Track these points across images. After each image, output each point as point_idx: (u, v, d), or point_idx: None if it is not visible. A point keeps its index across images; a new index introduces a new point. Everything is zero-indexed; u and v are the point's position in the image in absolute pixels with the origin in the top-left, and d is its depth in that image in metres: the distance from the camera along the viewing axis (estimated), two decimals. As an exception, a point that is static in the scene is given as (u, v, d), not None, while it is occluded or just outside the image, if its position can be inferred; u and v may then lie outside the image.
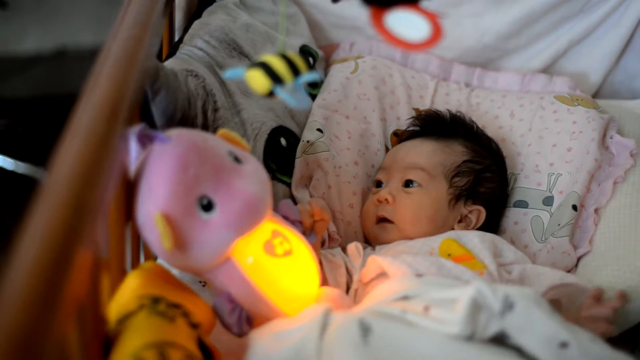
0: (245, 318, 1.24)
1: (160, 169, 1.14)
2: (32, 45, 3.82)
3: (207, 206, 1.14)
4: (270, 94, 1.10)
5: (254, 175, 1.20)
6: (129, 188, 1.16)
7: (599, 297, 1.33)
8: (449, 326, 1.06)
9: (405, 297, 1.20)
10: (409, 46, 1.05)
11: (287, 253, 1.25)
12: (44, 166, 3.18)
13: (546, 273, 1.40)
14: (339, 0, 1.35)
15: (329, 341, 1.08)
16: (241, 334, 1.23)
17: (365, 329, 1.06)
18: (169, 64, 1.44)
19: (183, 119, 1.34)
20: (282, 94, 1.08)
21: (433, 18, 1.07)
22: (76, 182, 0.88)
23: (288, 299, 1.25)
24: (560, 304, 1.38)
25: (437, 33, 1.06)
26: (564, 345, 1.05)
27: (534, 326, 1.06)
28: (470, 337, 1.06)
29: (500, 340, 1.08)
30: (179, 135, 1.18)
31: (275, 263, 1.24)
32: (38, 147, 3.38)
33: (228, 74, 1.15)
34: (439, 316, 1.09)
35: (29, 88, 3.79)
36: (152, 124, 1.30)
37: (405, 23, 1.05)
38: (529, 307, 1.07)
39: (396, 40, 1.04)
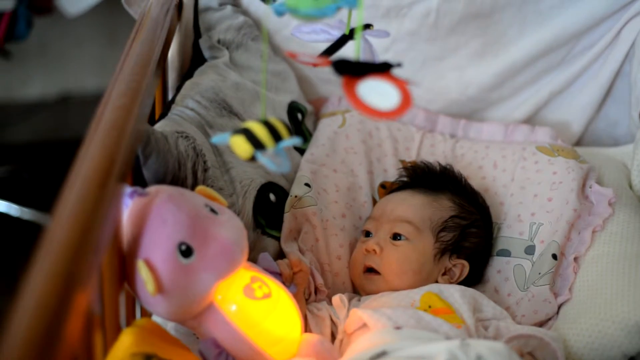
0: None
1: (140, 223, 1.23)
2: (36, 91, 3.87)
3: (186, 252, 1.23)
4: (253, 158, 1.15)
5: (228, 223, 1.30)
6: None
7: None
8: None
9: (383, 352, 1.25)
10: (379, 114, 1.08)
11: (267, 296, 1.33)
12: (49, 212, 3.23)
13: (518, 330, 1.45)
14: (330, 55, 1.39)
15: None
16: (228, 379, 1.30)
17: None
18: (160, 126, 1.50)
19: (173, 180, 1.40)
20: (263, 159, 1.13)
21: (403, 86, 1.10)
22: (73, 236, 0.96)
23: (271, 341, 1.32)
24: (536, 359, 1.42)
25: (406, 101, 1.09)
26: None
27: None
28: None
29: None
30: (156, 190, 1.28)
31: (256, 306, 1.31)
32: (43, 193, 3.43)
33: (214, 140, 1.20)
34: None
35: (33, 133, 3.84)
36: (144, 187, 1.36)
37: (376, 92, 1.08)
38: None
39: (366, 109, 1.07)
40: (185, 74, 1.81)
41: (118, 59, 1.41)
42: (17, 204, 3.28)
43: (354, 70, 1.09)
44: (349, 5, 1.21)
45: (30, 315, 0.84)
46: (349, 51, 1.37)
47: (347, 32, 1.38)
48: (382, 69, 1.11)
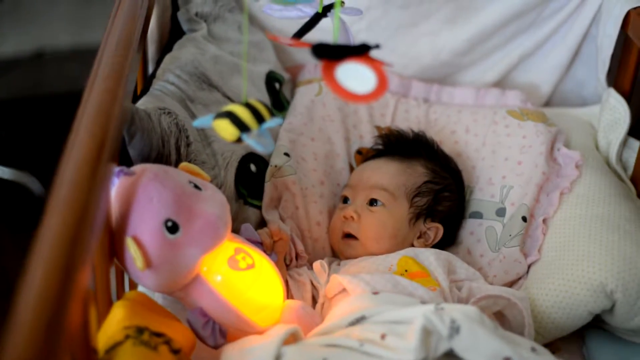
0: (219, 330, 1.38)
1: (128, 201, 1.29)
2: (10, 48, 3.86)
3: (172, 228, 1.29)
4: (238, 140, 1.20)
5: (212, 198, 1.36)
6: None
7: None
8: (404, 354, 1.19)
9: (362, 317, 1.33)
10: (356, 98, 1.12)
11: (250, 266, 1.40)
12: (27, 170, 3.26)
13: (489, 290, 1.53)
14: (302, 36, 1.43)
15: None
16: (217, 346, 1.38)
17: None
18: (142, 103, 1.54)
19: (158, 157, 1.46)
20: (249, 140, 1.18)
21: (379, 69, 1.14)
22: (71, 218, 1.01)
23: (255, 308, 1.39)
24: (506, 318, 1.50)
25: (382, 84, 1.13)
26: (507, 359, 1.17)
27: (479, 345, 1.18)
28: None
29: (451, 355, 1.21)
30: (142, 169, 1.33)
31: (240, 276, 1.38)
32: (21, 151, 3.46)
33: (196, 123, 1.25)
34: (394, 345, 1.21)
35: (8, 91, 3.85)
36: (129, 165, 1.41)
37: (354, 75, 1.11)
38: (474, 328, 1.19)
39: (344, 92, 1.11)
40: (165, 47, 1.84)
41: (91, 15, 1.44)
42: (-4, 164, 3.31)
43: (332, 54, 1.12)
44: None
45: (36, 298, 0.90)
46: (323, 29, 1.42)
47: (320, 10, 1.42)
48: (361, 51, 1.14)
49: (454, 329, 1.19)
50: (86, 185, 1.08)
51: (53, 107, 3.79)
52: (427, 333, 1.19)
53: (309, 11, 1.44)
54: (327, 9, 1.40)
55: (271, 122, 1.20)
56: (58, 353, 0.88)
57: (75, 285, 0.95)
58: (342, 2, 1.42)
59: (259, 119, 1.19)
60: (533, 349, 1.27)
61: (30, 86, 3.89)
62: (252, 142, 1.17)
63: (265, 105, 1.20)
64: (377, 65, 1.13)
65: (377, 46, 1.15)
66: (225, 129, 1.19)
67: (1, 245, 3.11)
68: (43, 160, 3.42)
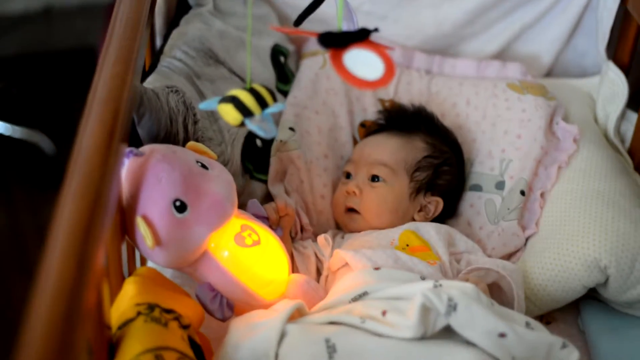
0: (226, 304, 1.44)
1: (137, 181, 1.34)
2: (19, 4, 3.88)
3: (181, 207, 1.34)
4: (242, 124, 1.24)
5: (219, 178, 1.41)
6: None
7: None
8: (404, 330, 1.25)
9: (365, 293, 1.39)
10: (367, 85, 1.15)
11: (256, 243, 1.45)
12: (39, 129, 3.31)
13: (485, 263, 1.58)
14: (300, 24, 1.45)
15: (292, 353, 1.25)
16: (224, 319, 1.44)
17: (330, 349, 1.23)
18: (150, 81, 1.58)
19: (166, 136, 1.50)
20: (251, 125, 1.21)
21: (384, 53, 1.17)
22: (88, 198, 1.07)
23: (261, 283, 1.46)
24: (503, 290, 1.56)
25: (389, 69, 1.16)
26: (502, 335, 1.23)
27: (475, 322, 1.24)
28: (422, 337, 1.25)
29: (449, 329, 1.27)
30: (150, 149, 1.38)
31: (246, 252, 1.44)
32: (32, 109, 3.50)
33: (202, 105, 1.29)
34: (395, 321, 1.27)
35: (19, 46, 3.87)
36: (138, 144, 1.45)
37: (361, 62, 1.15)
38: (470, 305, 1.24)
39: (355, 79, 1.14)
40: (172, 21, 1.87)
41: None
42: (7, 122, 3.35)
43: (337, 42, 1.15)
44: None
45: (55, 281, 0.95)
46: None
47: (323, -9, 1.44)
48: (362, 36, 1.17)
49: (451, 307, 1.24)
50: (98, 173, 1.12)
51: (62, 62, 3.82)
52: (425, 310, 1.25)
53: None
54: (331, -11, 1.42)
55: (274, 108, 1.23)
56: (77, 333, 0.93)
57: (91, 266, 1.00)
58: (346, -16, 1.44)
59: (262, 104, 1.23)
60: (527, 324, 1.33)
61: (39, 42, 3.92)
62: (255, 127, 1.20)
63: (269, 91, 1.24)
64: (381, 50, 1.16)
65: (376, 30, 1.18)
66: (229, 113, 1.22)
67: (14, 204, 3.17)
68: (54, 118, 3.47)
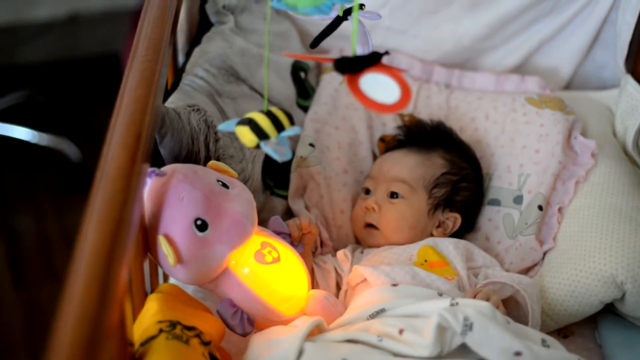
0: (247, 319, 1.47)
1: (159, 201, 1.38)
2: (45, 12, 3.92)
3: (202, 226, 1.38)
4: (258, 146, 1.26)
5: (239, 197, 1.45)
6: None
7: (474, 294, 1.51)
8: (420, 349, 1.27)
9: (382, 310, 1.41)
10: (385, 109, 1.17)
11: (276, 260, 1.48)
12: (65, 136, 3.35)
13: (501, 277, 1.60)
14: (317, 45, 1.48)
15: None
16: (245, 334, 1.47)
17: None
18: (173, 100, 1.61)
19: (187, 155, 1.53)
20: (266, 148, 1.24)
21: (399, 77, 1.18)
22: (113, 217, 1.10)
23: (281, 299, 1.49)
24: (519, 303, 1.57)
25: (406, 92, 1.17)
26: (518, 354, 1.26)
27: (491, 341, 1.26)
28: (438, 356, 1.27)
29: (465, 347, 1.29)
30: (172, 169, 1.41)
31: (266, 270, 1.47)
32: (59, 117, 3.55)
33: (222, 127, 1.32)
34: (411, 340, 1.29)
35: (44, 54, 3.92)
36: (160, 164, 1.49)
37: (377, 85, 1.16)
38: (486, 324, 1.27)
39: (373, 104, 1.16)
40: (194, 39, 1.90)
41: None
42: (33, 129, 3.40)
43: (352, 67, 1.17)
44: (344, 1, 1.30)
45: (79, 300, 0.98)
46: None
47: (340, 14, 1.46)
48: (374, 60, 1.19)
49: (467, 326, 1.26)
50: (121, 197, 1.15)
51: (87, 69, 3.87)
52: (442, 330, 1.27)
53: (330, 14, 1.47)
54: (348, 12, 1.44)
55: (290, 131, 1.26)
56: (100, 355, 0.96)
57: (114, 290, 1.04)
58: (362, 6, 1.45)
59: (279, 127, 1.25)
60: (544, 341, 1.35)
61: (65, 49, 3.97)
62: (270, 150, 1.23)
63: (287, 114, 1.26)
64: (396, 73, 1.18)
65: (386, 53, 1.20)
66: (245, 136, 1.25)
67: (40, 209, 3.22)
68: (79, 124, 3.52)
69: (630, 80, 1.97)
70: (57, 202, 3.25)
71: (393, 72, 1.19)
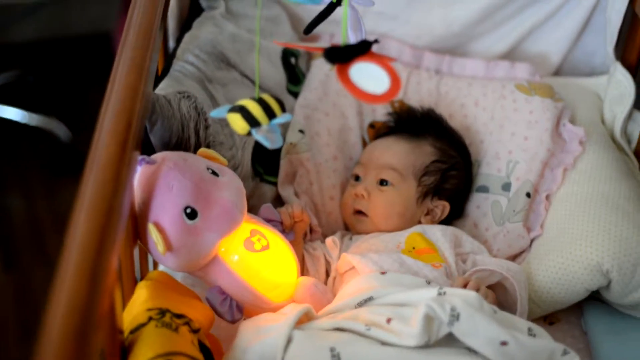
0: (236, 307, 1.48)
1: (149, 189, 1.39)
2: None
3: (191, 214, 1.39)
4: (249, 133, 1.26)
5: (229, 185, 1.45)
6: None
7: (464, 283, 1.52)
8: (408, 339, 1.29)
9: (370, 298, 1.43)
10: (374, 99, 1.17)
11: (265, 248, 1.49)
12: (55, 116, 3.35)
13: (490, 263, 1.61)
14: (310, 32, 1.47)
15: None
16: (234, 321, 1.48)
17: (335, 358, 1.27)
18: (163, 87, 1.61)
19: (178, 142, 1.53)
20: (257, 135, 1.24)
21: (389, 66, 1.18)
22: (103, 206, 1.10)
23: (269, 287, 1.50)
24: (506, 290, 1.59)
25: (395, 82, 1.17)
26: (504, 343, 1.27)
27: (477, 330, 1.27)
28: (425, 345, 1.28)
29: (452, 336, 1.30)
30: (162, 157, 1.42)
31: (255, 257, 1.48)
32: (48, 97, 3.53)
33: (213, 114, 1.32)
34: (399, 330, 1.31)
35: (35, 32, 3.91)
36: (150, 151, 1.49)
37: (367, 75, 1.16)
38: (472, 315, 1.28)
39: (362, 94, 1.16)
40: (184, 24, 1.89)
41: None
42: (23, 110, 3.39)
43: (342, 57, 1.17)
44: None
45: (74, 281, 0.99)
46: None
47: (334, 0, 1.46)
48: (363, 49, 1.19)
49: (454, 316, 1.27)
50: (112, 186, 1.14)
51: (78, 48, 3.86)
52: (429, 320, 1.29)
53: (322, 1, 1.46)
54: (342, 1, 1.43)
55: (281, 119, 1.26)
56: (90, 345, 0.96)
57: (105, 279, 1.04)
58: (354, -8, 1.45)
59: (270, 114, 1.25)
60: (530, 330, 1.36)
61: (55, 28, 3.95)
62: (261, 138, 1.23)
63: (278, 101, 1.26)
64: (386, 63, 1.18)
65: (376, 41, 1.20)
66: (236, 123, 1.26)
67: (30, 190, 3.21)
68: (69, 105, 3.50)
69: (619, 67, 1.98)
70: (47, 182, 3.25)
71: (383, 61, 1.18)
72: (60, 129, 3.35)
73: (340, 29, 2.07)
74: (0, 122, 3.39)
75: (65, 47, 3.90)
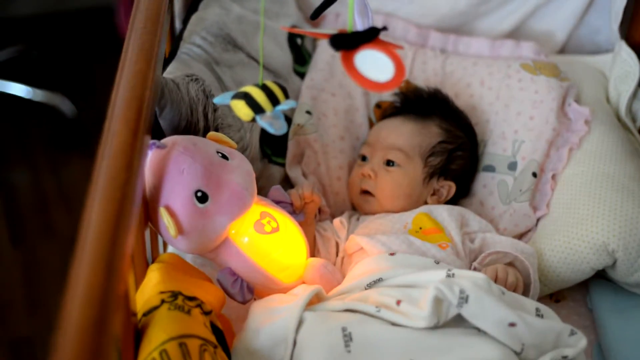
0: (246, 287, 1.50)
1: (160, 173, 1.40)
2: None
3: (202, 198, 1.40)
4: (253, 120, 1.28)
5: (239, 168, 1.46)
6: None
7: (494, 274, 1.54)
8: (417, 321, 1.31)
9: (380, 279, 1.45)
10: (379, 87, 1.18)
11: (275, 230, 1.51)
12: (59, 91, 3.35)
13: (502, 242, 1.63)
14: (318, 16, 1.48)
15: (310, 341, 1.32)
16: (244, 302, 1.50)
17: (347, 338, 1.30)
18: (171, 70, 1.61)
19: (187, 125, 1.54)
20: (262, 122, 1.26)
21: (394, 53, 1.19)
22: (118, 189, 1.12)
23: (279, 268, 1.52)
24: (517, 269, 1.60)
25: (400, 70, 1.18)
26: (512, 325, 1.29)
27: (486, 312, 1.30)
28: (435, 326, 1.31)
29: (460, 317, 1.32)
30: (172, 142, 1.43)
31: (265, 239, 1.50)
32: (52, 71, 3.54)
33: (217, 100, 1.34)
34: (408, 311, 1.33)
35: (36, 7, 3.91)
36: (160, 135, 1.50)
37: (372, 62, 1.17)
38: (481, 297, 1.30)
39: (366, 81, 1.16)
40: (190, 6, 1.89)
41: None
42: (27, 85, 3.39)
43: (348, 44, 1.17)
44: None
45: (90, 271, 1.00)
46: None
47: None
48: (371, 35, 1.20)
49: (463, 298, 1.30)
50: (124, 174, 1.15)
51: (80, 22, 3.85)
52: (438, 302, 1.31)
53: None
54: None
55: (285, 105, 1.27)
56: (107, 335, 0.97)
57: (120, 267, 1.05)
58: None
59: (274, 100, 1.27)
60: (537, 311, 1.38)
61: (57, 1, 3.95)
62: (265, 124, 1.25)
63: (282, 87, 1.28)
64: (391, 50, 1.19)
65: (384, 28, 1.20)
66: (241, 109, 1.27)
67: (35, 165, 3.23)
68: (73, 79, 3.51)
69: (624, 46, 1.99)
70: (52, 157, 3.26)
71: (388, 48, 1.19)
72: (64, 104, 3.35)
73: (346, 9, 2.08)
74: (5, 98, 3.40)
75: (67, 21, 3.90)
